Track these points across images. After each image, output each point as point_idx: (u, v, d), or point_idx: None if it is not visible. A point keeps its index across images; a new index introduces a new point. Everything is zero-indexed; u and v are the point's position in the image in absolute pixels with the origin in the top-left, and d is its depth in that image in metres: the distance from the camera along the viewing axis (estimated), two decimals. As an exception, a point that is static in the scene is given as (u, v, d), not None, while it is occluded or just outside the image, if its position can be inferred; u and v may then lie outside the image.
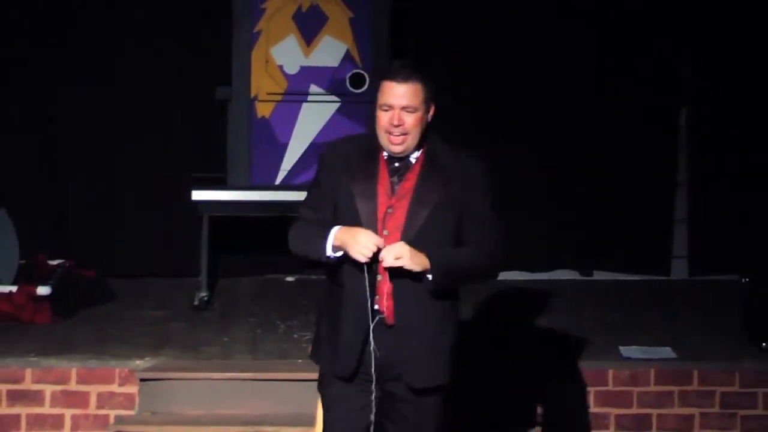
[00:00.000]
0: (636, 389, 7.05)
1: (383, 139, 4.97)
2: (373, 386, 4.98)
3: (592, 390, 7.03)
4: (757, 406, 7.05)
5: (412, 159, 5.01)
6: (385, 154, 5.01)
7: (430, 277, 4.88)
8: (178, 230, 8.78)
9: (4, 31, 8.73)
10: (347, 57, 8.17)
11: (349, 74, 8.11)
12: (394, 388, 5.02)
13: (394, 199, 4.96)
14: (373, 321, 4.93)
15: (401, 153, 4.98)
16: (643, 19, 9.01)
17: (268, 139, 8.16)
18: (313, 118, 8.16)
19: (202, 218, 8.22)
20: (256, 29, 8.15)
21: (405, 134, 4.94)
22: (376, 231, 4.92)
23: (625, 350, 7.31)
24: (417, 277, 4.90)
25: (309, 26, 8.16)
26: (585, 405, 7.04)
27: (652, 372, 7.06)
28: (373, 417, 5.03)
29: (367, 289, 4.91)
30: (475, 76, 8.98)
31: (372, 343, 4.95)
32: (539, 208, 9.08)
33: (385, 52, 8.17)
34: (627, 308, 8.35)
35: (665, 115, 9.17)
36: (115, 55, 8.84)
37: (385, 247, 4.83)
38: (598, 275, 9.20)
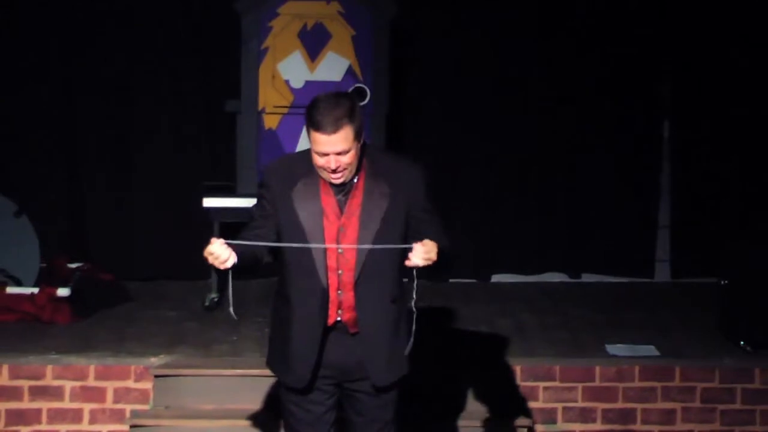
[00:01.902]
0: (621, 385, 7.06)
1: (323, 174, 4.86)
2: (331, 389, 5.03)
3: (579, 385, 7.04)
4: (736, 401, 7.06)
5: (354, 178, 4.91)
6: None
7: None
8: (191, 235, 8.74)
9: (30, 47, 8.75)
10: (349, 72, 8.16)
11: (351, 88, 8.11)
12: (357, 387, 5.04)
13: (344, 218, 4.90)
14: (324, 335, 4.94)
15: (342, 182, 4.88)
16: (629, 36, 9.02)
17: (275, 150, 8.15)
18: (317, 130, 8.15)
19: (213, 224, 8.23)
20: (263, 46, 8.15)
21: (344, 170, 4.83)
22: (324, 250, 4.86)
23: (611, 348, 7.31)
24: (381, 286, 4.90)
25: (313, 43, 8.15)
26: (573, 400, 7.07)
27: (637, 369, 7.07)
28: (332, 419, 5.07)
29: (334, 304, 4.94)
30: (472, 88, 8.99)
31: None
32: (531, 215, 9.09)
33: (385, 67, 8.18)
34: (613, 308, 8.35)
35: (650, 128, 9.17)
36: (132, 70, 8.86)
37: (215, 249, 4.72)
38: (586, 277, 9.20)
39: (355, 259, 4.90)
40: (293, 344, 4.97)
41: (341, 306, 4.95)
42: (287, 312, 4.98)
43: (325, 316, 4.94)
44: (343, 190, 4.91)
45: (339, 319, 4.97)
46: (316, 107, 4.80)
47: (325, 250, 4.88)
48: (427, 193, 4.99)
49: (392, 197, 4.92)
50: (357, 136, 4.81)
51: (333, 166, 4.80)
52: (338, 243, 4.89)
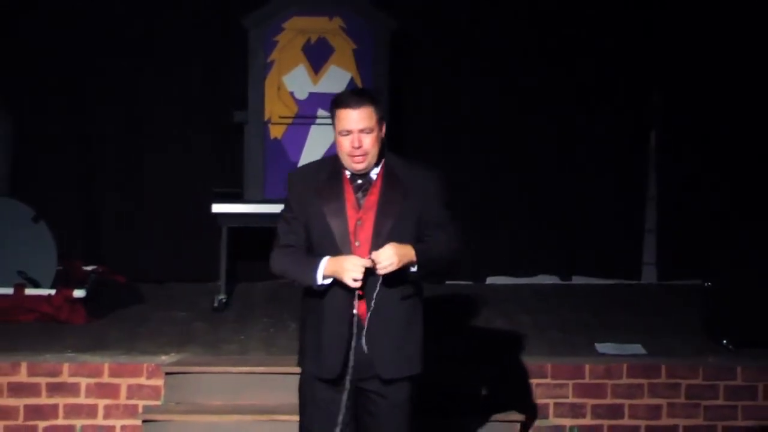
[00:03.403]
0: (610, 382, 7.07)
1: (346, 160, 4.98)
2: (348, 385, 5.01)
3: (570, 382, 7.05)
4: (719, 397, 7.07)
5: (373, 175, 5.03)
6: (347, 173, 5.03)
7: (414, 269, 4.90)
8: (200, 240, 8.79)
9: (46, 59, 8.76)
10: (351, 84, 8.15)
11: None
12: (369, 385, 5.05)
13: (361, 213, 4.99)
14: (357, 328, 4.97)
15: (364, 170, 4.99)
16: (618, 48, 9.02)
17: (281, 158, 8.17)
18: (321, 139, 8.17)
19: (221, 229, 8.24)
20: (269, 59, 8.18)
21: (365, 154, 4.95)
22: (349, 243, 4.94)
23: (601, 347, 7.33)
24: (392, 281, 4.92)
25: (317, 57, 8.18)
26: (564, 396, 7.08)
27: (625, 366, 7.08)
28: (343, 417, 5.05)
29: (356, 299, 4.97)
30: (469, 100, 8.99)
31: (353, 347, 4.98)
32: (524, 220, 9.09)
33: (385, 79, 8.19)
34: (602, 309, 8.36)
35: (637, 137, 9.16)
36: (145, 83, 8.87)
37: (371, 260, 4.84)
38: (577, 280, 9.21)
39: (369, 251, 4.94)
40: (324, 335, 5.01)
41: (357, 298, 4.98)
42: (317, 305, 5.02)
43: (352, 303, 4.97)
44: (362, 187, 5.00)
45: (354, 311, 4.99)
46: (341, 93, 5.05)
47: (349, 240, 4.95)
48: (443, 200, 5.06)
49: (407, 199, 5.00)
50: (379, 121, 4.97)
51: (356, 144, 4.91)
52: (355, 236, 4.96)
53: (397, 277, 4.92)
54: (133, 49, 8.85)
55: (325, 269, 4.93)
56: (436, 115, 9.04)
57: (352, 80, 8.18)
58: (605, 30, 9.01)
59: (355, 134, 4.93)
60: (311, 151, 8.16)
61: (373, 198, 5.00)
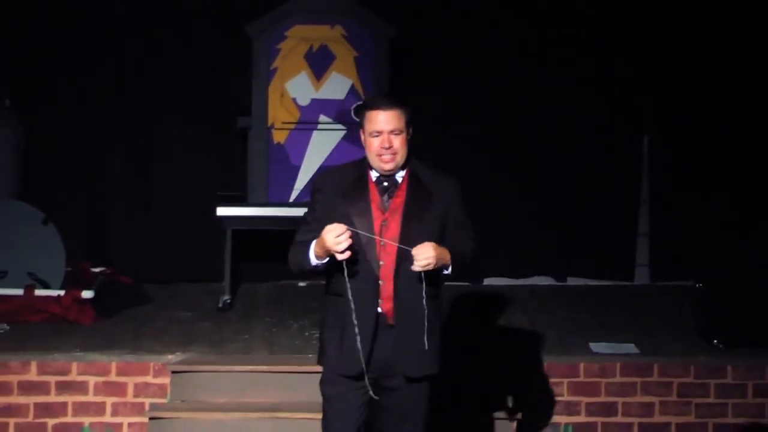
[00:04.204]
0: (604, 380, 7.10)
1: (375, 161, 5.02)
2: (368, 383, 5.03)
3: (565, 381, 7.08)
4: (709, 395, 7.11)
5: (398, 178, 5.07)
6: (373, 176, 5.06)
7: (447, 271, 4.94)
8: (205, 242, 8.79)
9: (53, 67, 8.81)
10: (352, 91, 8.22)
11: (354, 106, 8.13)
12: (390, 382, 5.07)
13: (387, 214, 5.02)
14: (381, 326, 5.00)
15: (392, 170, 5.03)
16: (616, 49, 9.04)
17: (283, 162, 8.21)
18: (323, 144, 8.22)
19: (225, 231, 8.27)
20: (272, 66, 8.21)
21: (395, 154, 5.00)
22: (374, 243, 4.97)
23: (595, 346, 7.36)
24: (417, 279, 4.95)
25: (319, 64, 8.22)
26: (559, 394, 7.12)
27: (618, 365, 7.11)
28: (361, 414, 5.09)
29: (371, 289, 4.99)
30: (468, 106, 9.01)
31: (375, 344, 5.00)
32: (521, 223, 9.11)
33: (385, 86, 8.21)
34: (596, 309, 8.38)
35: (630, 142, 9.17)
36: (150, 89, 8.90)
37: (350, 230, 4.87)
38: (572, 281, 9.23)
39: (395, 253, 4.97)
40: (349, 333, 5.01)
41: (381, 296, 5.02)
42: (342, 304, 5.02)
43: (377, 302, 5.00)
44: (388, 190, 5.05)
45: (380, 310, 5.03)
46: (371, 97, 5.15)
47: (373, 242, 4.97)
48: (463, 205, 5.12)
49: (432, 201, 5.05)
50: (407, 125, 5.02)
51: (386, 145, 4.96)
52: (381, 237, 4.99)
53: (431, 277, 4.96)
54: (135, 52, 8.86)
55: (315, 250, 4.95)
56: (436, 115, 9.05)
57: (353, 87, 8.22)
58: (604, 30, 9.00)
59: (386, 135, 4.97)
60: (313, 156, 8.21)
61: (398, 200, 5.04)
